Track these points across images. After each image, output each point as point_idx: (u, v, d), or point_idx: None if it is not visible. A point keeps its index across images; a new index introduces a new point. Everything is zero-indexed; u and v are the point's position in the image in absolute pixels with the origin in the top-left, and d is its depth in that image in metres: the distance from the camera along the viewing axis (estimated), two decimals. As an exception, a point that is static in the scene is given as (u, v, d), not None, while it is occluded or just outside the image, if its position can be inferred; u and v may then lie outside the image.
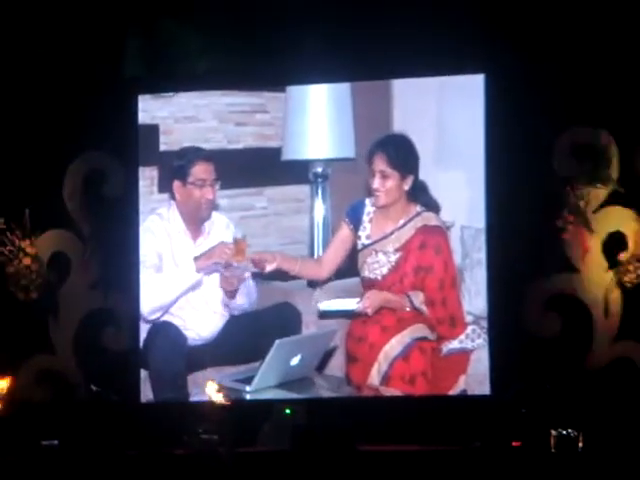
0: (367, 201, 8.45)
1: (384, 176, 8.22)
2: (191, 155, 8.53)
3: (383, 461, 7.49)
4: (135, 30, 8.94)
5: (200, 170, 8.45)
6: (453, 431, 7.91)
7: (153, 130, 8.89)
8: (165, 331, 8.54)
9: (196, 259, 8.43)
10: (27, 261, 8.77)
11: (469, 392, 8.34)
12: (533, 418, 7.65)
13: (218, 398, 7.87)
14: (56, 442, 7.74)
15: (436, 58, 8.43)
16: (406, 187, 8.23)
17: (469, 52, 8.37)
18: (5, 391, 7.94)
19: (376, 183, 8.25)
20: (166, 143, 8.89)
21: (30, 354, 8.75)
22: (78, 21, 8.85)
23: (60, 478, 7.39)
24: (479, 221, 8.39)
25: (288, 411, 8.29)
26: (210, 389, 7.94)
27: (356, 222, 8.47)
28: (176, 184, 8.47)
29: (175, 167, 8.53)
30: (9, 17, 8.86)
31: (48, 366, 8.78)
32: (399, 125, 8.54)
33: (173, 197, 8.55)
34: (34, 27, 8.88)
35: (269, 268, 8.41)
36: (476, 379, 8.34)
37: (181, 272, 8.47)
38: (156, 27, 8.94)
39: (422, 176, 8.34)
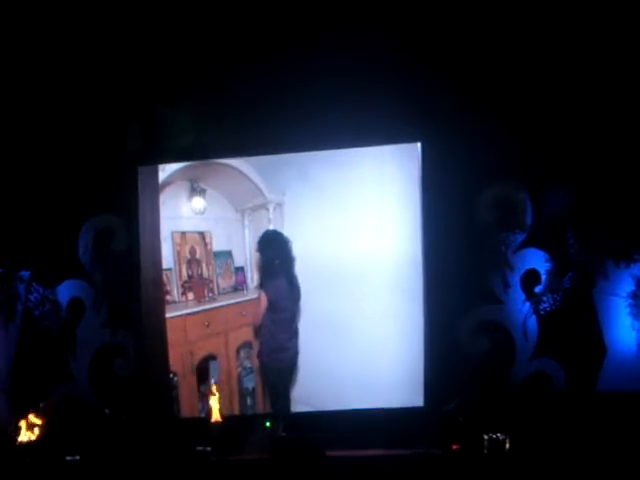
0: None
1: None
2: None
3: (348, 465, 7.66)
4: (136, 112, 9.06)
5: None
6: (399, 437, 8.08)
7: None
8: None
9: None
10: (50, 306, 8.98)
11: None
12: (469, 425, 7.84)
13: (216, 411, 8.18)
14: (78, 457, 7.87)
15: (376, 129, 8.61)
16: None
17: (406, 123, 8.54)
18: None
19: None
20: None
21: (54, 382, 8.90)
22: (91, 105, 9.04)
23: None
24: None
25: (268, 424, 8.50)
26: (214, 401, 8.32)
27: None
28: None
29: None
30: (38, 97, 9.03)
31: (69, 392, 8.91)
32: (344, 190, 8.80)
33: None
34: (61, 112, 9.06)
35: None
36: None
37: None
38: (152, 109, 9.07)
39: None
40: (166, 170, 9.09)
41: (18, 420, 8.22)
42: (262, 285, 9.06)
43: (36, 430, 8.13)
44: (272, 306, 8.91)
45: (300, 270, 8.90)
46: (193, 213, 9.33)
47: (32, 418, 8.20)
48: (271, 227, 9.14)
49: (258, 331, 9.06)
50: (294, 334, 9.00)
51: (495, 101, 8.48)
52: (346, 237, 8.78)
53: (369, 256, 8.70)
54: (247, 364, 9.31)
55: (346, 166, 8.80)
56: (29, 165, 9.11)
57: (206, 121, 8.82)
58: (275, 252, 8.89)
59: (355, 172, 8.75)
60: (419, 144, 8.59)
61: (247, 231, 9.38)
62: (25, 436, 8.05)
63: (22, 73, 8.92)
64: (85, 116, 9.03)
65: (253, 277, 9.38)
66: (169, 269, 9.18)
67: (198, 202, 9.28)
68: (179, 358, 9.03)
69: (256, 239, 9.07)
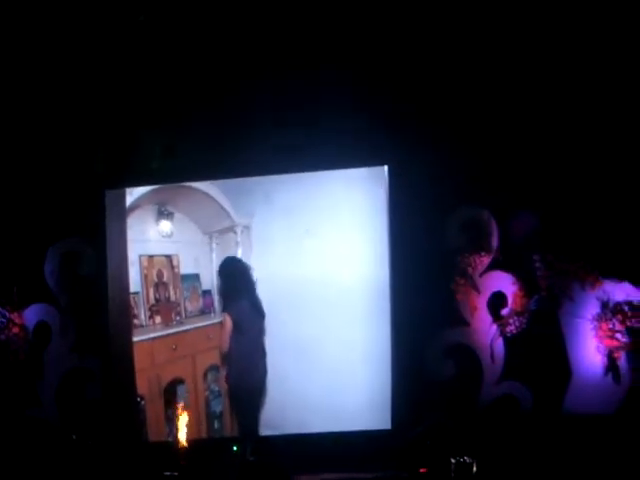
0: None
1: None
2: None
3: None
4: (103, 135, 9.02)
5: None
6: (367, 460, 8.09)
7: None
8: None
9: None
10: (16, 330, 8.87)
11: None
12: (436, 448, 7.77)
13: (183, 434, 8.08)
14: None
15: (343, 153, 8.61)
16: None
17: (374, 147, 8.54)
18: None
19: None
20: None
21: (19, 408, 8.78)
22: (58, 128, 8.98)
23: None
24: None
25: (235, 448, 8.37)
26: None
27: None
28: None
29: None
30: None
31: (36, 416, 8.77)
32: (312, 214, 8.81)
33: None
34: (27, 133, 9.00)
35: None
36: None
37: None
38: (119, 132, 9.03)
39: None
40: (134, 194, 9.02)
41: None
42: (225, 308, 9.07)
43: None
44: (237, 327, 8.91)
45: (267, 292, 8.90)
46: (160, 236, 9.32)
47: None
48: (239, 250, 9.12)
49: (226, 354, 9.00)
50: (262, 354, 8.99)
51: (462, 126, 8.50)
52: (314, 260, 8.78)
53: (336, 279, 8.69)
54: (215, 387, 9.28)
55: (314, 189, 8.78)
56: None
57: (174, 145, 8.81)
58: (235, 278, 8.94)
59: (323, 195, 8.74)
60: (386, 167, 8.57)
61: (214, 254, 9.39)
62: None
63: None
64: (52, 139, 8.96)
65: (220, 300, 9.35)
66: (136, 293, 9.13)
67: (165, 225, 9.27)
68: (146, 382, 8.94)
69: (223, 262, 9.16)
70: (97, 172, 9.01)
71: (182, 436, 8.20)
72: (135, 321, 9.06)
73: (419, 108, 8.55)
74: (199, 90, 8.84)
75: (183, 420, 8.32)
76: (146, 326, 9.13)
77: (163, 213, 9.22)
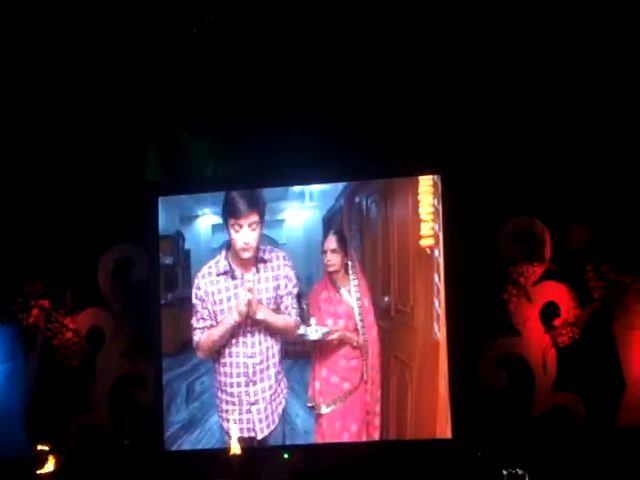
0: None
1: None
2: None
3: None
4: (154, 143, 9.07)
5: None
6: (425, 470, 8.05)
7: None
8: None
9: None
10: (69, 335, 8.88)
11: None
12: (488, 460, 7.76)
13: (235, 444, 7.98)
14: None
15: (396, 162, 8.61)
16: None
17: (427, 156, 8.50)
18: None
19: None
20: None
21: (73, 412, 8.82)
22: (114, 135, 9.04)
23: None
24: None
25: (286, 456, 8.30)
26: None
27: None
28: None
29: None
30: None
31: (88, 422, 8.83)
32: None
33: None
34: (84, 141, 9.07)
35: None
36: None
37: None
38: (172, 139, 9.09)
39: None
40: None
41: (36, 451, 8.12)
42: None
43: (55, 462, 8.00)
44: None
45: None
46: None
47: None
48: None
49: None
50: None
51: (516, 136, 8.44)
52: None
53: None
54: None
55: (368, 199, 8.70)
56: (50, 194, 9.05)
57: (228, 152, 8.85)
58: None
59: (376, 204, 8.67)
60: (439, 177, 8.45)
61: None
62: (45, 468, 7.94)
63: (46, 101, 8.87)
64: (107, 146, 9.00)
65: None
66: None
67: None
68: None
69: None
70: (151, 180, 9.06)
71: (234, 444, 8.12)
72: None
73: (474, 116, 8.50)
74: (252, 97, 8.81)
75: (235, 428, 8.33)
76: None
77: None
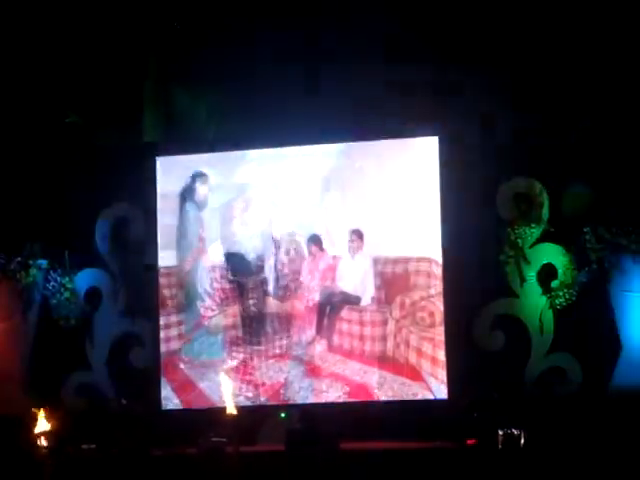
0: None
1: None
2: None
3: (362, 458, 7.54)
4: (153, 104, 9.03)
5: None
6: (420, 430, 8.00)
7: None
8: None
9: None
10: (67, 294, 8.86)
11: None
12: (484, 420, 7.68)
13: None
14: (94, 446, 7.78)
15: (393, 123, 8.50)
16: None
17: (424, 118, 8.43)
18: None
19: None
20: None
21: (71, 371, 8.81)
22: (109, 96, 8.99)
23: (98, 477, 7.48)
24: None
25: (283, 415, 8.36)
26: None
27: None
28: None
29: None
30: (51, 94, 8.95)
31: (86, 381, 8.82)
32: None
33: None
34: (80, 102, 9.03)
35: None
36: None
37: None
38: (171, 100, 9.03)
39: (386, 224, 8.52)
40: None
41: (35, 409, 7.97)
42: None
43: (52, 420, 7.88)
44: None
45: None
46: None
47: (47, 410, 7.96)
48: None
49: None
50: None
51: (515, 98, 8.36)
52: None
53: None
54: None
55: (362, 160, 8.63)
56: (47, 154, 9.00)
57: (228, 113, 8.77)
58: None
59: (375, 165, 8.60)
60: (437, 138, 8.41)
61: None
62: (42, 426, 7.83)
63: (45, 60, 8.84)
64: (103, 107, 8.94)
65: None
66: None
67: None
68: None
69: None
70: (149, 140, 9.01)
71: (230, 403, 8.10)
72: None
73: (470, 77, 8.38)
74: (253, 53, 8.76)
75: (230, 387, 8.29)
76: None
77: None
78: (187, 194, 8.82)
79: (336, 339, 8.67)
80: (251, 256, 8.81)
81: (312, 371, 8.67)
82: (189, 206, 8.82)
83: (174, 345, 8.86)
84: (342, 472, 7.26)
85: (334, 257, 8.75)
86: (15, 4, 8.42)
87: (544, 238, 8.33)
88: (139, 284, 8.85)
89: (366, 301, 8.63)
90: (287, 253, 8.77)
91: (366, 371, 8.54)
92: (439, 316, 8.40)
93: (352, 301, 8.66)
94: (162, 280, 8.86)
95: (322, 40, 8.64)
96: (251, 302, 8.79)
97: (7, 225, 8.84)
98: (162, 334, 8.81)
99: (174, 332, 8.86)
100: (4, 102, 8.91)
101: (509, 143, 8.36)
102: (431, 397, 8.36)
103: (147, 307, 8.86)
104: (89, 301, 8.92)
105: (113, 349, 8.87)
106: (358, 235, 8.62)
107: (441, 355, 8.34)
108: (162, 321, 8.83)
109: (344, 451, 7.44)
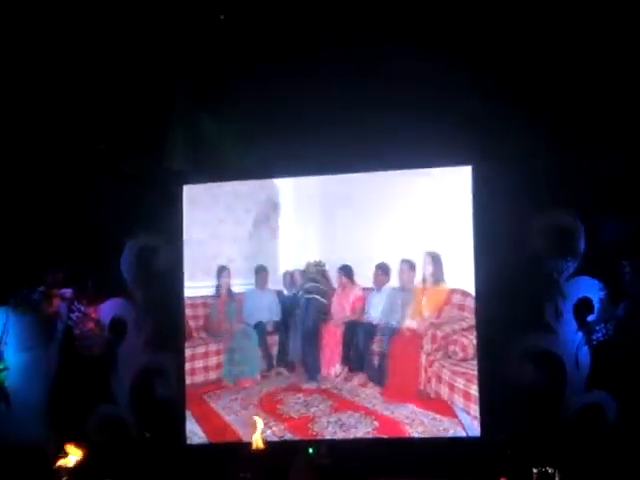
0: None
1: None
2: None
3: None
4: (179, 130, 8.82)
5: None
6: (451, 467, 7.78)
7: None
8: None
9: None
10: (91, 325, 8.71)
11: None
12: (517, 458, 7.57)
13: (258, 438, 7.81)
14: None
15: (428, 153, 8.33)
16: None
17: (458, 147, 8.23)
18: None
19: None
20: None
21: (95, 404, 8.64)
22: (138, 123, 8.79)
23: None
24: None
25: (311, 450, 8.14)
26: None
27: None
28: None
29: None
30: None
31: (110, 413, 8.65)
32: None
33: None
34: (109, 130, 8.84)
35: None
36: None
37: None
38: (196, 129, 8.83)
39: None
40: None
41: (57, 441, 7.91)
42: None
43: (76, 455, 7.71)
44: None
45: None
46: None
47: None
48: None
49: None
50: None
51: (549, 128, 8.17)
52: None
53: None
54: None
55: (395, 190, 8.55)
56: (74, 181, 8.86)
57: (254, 140, 8.54)
58: None
59: (406, 196, 8.52)
60: (470, 168, 8.30)
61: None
62: (66, 460, 7.63)
63: (71, 88, 8.65)
64: (132, 135, 8.78)
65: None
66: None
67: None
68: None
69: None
70: (175, 168, 8.80)
71: (257, 438, 7.96)
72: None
73: (505, 107, 8.18)
74: (279, 87, 8.53)
75: (259, 422, 8.10)
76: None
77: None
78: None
79: (365, 372, 8.52)
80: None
81: (340, 405, 8.46)
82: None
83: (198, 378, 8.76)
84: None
85: (364, 289, 8.60)
86: (46, 32, 8.25)
87: (580, 271, 8.13)
88: (164, 315, 8.72)
89: (396, 333, 8.46)
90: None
91: (396, 406, 8.33)
92: (472, 350, 8.20)
93: (382, 334, 8.50)
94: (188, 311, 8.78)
95: (355, 67, 8.41)
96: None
97: (31, 253, 8.68)
98: (187, 366, 8.68)
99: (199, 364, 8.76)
100: (29, 127, 8.73)
101: (543, 174, 8.14)
102: (463, 433, 8.14)
103: (171, 338, 8.72)
104: (113, 332, 8.75)
105: (137, 381, 8.67)
106: (384, 270, 8.50)
107: (474, 390, 8.12)
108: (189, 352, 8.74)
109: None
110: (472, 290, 8.24)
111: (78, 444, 7.82)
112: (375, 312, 8.59)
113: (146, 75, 8.68)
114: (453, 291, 8.36)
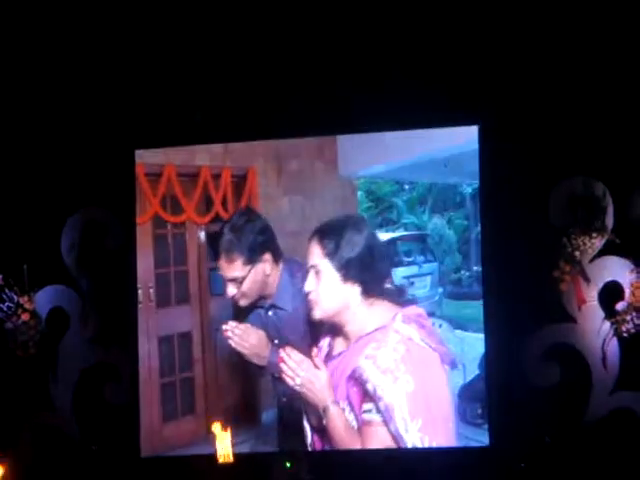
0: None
1: None
2: None
3: None
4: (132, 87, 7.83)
5: None
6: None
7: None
8: None
9: None
10: (25, 317, 7.65)
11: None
12: (533, 471, 6.81)
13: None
14: None
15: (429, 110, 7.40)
16: None
17: (462, 104, 7.34)
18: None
19: None
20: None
21: (30, 411, 7.64)
22: (81, 81, 7.87)
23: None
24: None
25: (288, 464, 7.20)
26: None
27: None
28: None
29: None
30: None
31: (48, 423, 7.65)
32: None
33: None
34: (45, 89, 7.88)
35: None
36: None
37: None
38: (151, 85, 7.85)
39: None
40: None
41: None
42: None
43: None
44: None
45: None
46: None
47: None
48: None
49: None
50: None
51: (574, 82, 7.21)
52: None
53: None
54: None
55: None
56: (3, 148, 7.84)
57: (221, 100, 7.64)
58: None
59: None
60: (477, 128, 7.27)
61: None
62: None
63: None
64: (72, 92, 7.80)
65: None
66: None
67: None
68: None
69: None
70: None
71: (225, 450, 6.98)
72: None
73: (521, 56, 7.25)
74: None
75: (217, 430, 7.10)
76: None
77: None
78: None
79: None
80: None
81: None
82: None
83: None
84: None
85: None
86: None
87: (608, 251, 7.16)
88: (115, 304, 7.68)
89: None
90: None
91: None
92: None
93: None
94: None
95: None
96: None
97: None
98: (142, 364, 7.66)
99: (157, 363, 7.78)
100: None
101: (565, 134, 7.18)
102: (472, 443, 7.20)
103: (124, 332, 7.67)
104: (52, 325, 7.71)
105: (82, 384, 7.68)
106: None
107: (481, 391, 7.26)
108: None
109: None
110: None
111: (9, 460, 7.00)
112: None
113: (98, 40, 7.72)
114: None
